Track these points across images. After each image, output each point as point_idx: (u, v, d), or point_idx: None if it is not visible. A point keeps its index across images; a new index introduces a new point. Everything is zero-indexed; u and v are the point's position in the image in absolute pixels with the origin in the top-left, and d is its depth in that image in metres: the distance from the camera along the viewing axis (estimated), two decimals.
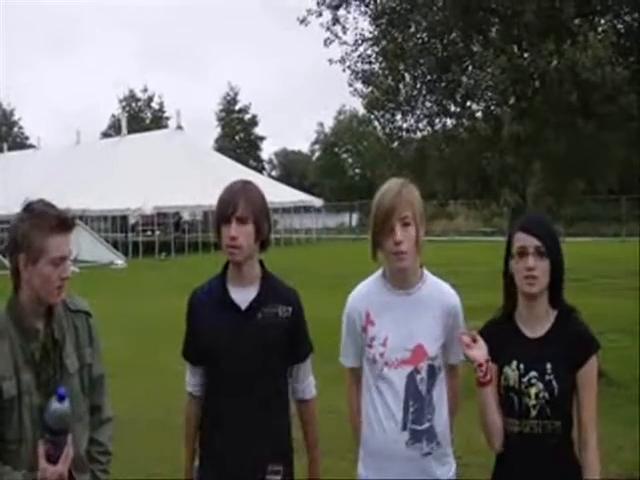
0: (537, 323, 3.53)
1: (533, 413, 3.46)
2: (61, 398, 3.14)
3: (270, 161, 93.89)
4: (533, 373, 3.47)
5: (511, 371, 3.52)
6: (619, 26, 11.06)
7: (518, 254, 3.48)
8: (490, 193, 12.87)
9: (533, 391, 3.46)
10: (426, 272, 3.78)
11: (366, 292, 3.81)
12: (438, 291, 3.77)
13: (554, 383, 3.44)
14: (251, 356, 3.68)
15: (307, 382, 3.94)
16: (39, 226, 3.22)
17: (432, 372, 3.68)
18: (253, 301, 3.74)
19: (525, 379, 3.47)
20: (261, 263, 3.86)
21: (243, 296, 3.75)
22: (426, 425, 3.65)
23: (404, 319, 3.67)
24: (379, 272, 3.80)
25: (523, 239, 3.47)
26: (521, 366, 3.50)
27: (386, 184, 3.70)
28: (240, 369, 3.69)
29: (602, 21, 11.15)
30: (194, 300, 3.90)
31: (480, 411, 3.54)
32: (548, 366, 3.46)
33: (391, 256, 3.59)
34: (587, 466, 3.47)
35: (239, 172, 43.45)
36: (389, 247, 3.57)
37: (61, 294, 3.36)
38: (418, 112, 12.36)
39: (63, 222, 3.29)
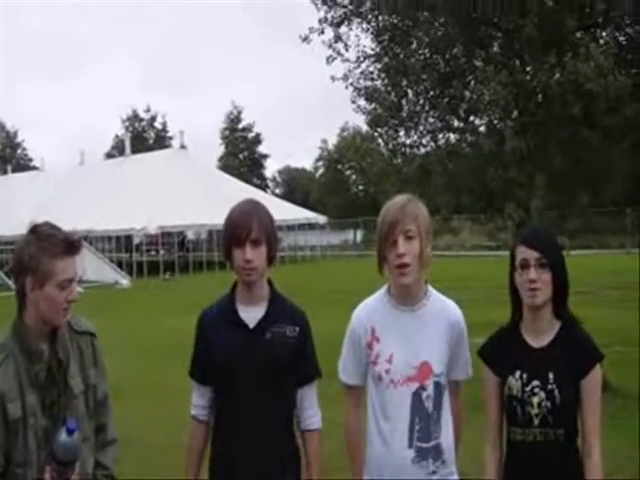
0: (541, 334, 3.55)
1: (536, 422, 3.50)
2: (71, 431, 3.13)
3: (274, 179, 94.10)
4: (535, 382, 3.51)
5: (515, 380, 3.56)
6: (620, 38, 11.09)
7: (520, 266, 3.53)
8: (494, 208, 12.88)
9: (535, 400, 3.50)
10: (430, 288, 3.78)
11: (371, 308, 3.80)
12: (442, 307, 3.77)
13: (556, 392, 3.48)
14: (260, 375, 3.69)
15: (313, 411, 3.90)
16: (46, 249, 3.23)
17: (438, 389, 3.67)
18: (262, 320, 3.75)
19: (528, 388, 3.51)
20: (270, 282, 3.88)
21: (252, 315, 3.76)
22: (432, 443, 3.65)
23: (409, 336, 3.66)
24: (384, 288, 3.80)
25: (524, 252, 3.52)
26: (524, 376, 3.54)
27: (393, 199, 3.71)
28: (249, 387, 3.69)
29: (603, 33, 11.16)
30: (203, 319, 3.91)
31: None
32: (550, 376, 3.51)
33: (394, 270, 3.59)
34: (590, 473, 3.49)
35: (243, 190, 43.50)
36: (392, 260, 3.57)
37: (67, 315, 3.36)
38: (421, 128, 12.39)
39: (70, 245, 3.30)
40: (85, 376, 3.48)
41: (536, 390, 3.50)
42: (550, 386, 3.49)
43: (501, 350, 3.57)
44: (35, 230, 3.31)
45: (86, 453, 3.44)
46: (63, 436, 3.13)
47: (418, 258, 3.56)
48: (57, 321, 3.34)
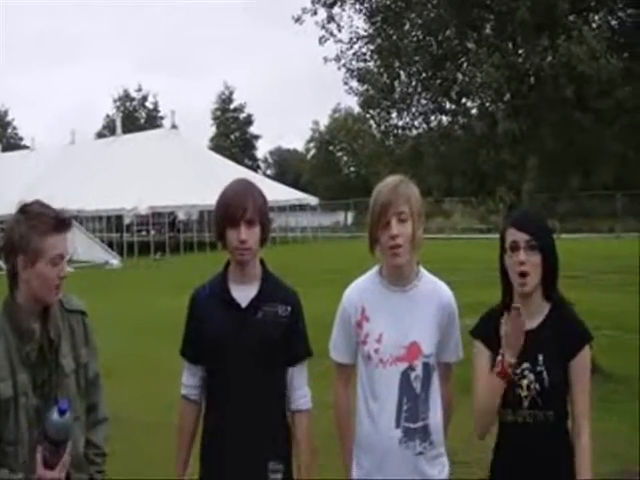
0: (531, 316, 3.53)
1: (525, 404, 3.51)
2: (63, 411, 3.13)
3: (265, 160, 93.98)
4: (526, 365, 3.51)
5: None
6: (613, 22, 11.10)
7: (510, 249, 3.53)
8: (486, 190, 12.88)
9: (525, 382, 3.50)
10: (422, 270, 3.78)
11: (362, 288, 3.80)
12: (433, 289, 3.77)
13: (544, 375, 3.48)
14: (252, 353, 3.69)
15: (303, 391, 3.88)
16: (37, 227, 3.23)
17: (427, 370, 3.67)
18: (254, 299, 3.75)
19: (518, 370, 3.50)
20: (262, 262, 3.88)
21: (244, 294, 3.76)
22: (420, 424, 3.65)
23: (399, 316, 3.67)
24: (375, 268, 3.81)
25: (514, 234, 3.51)
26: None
27: (384, 180, 3.70)
28: (241, 366, 3.70)
29: (596, 17, 11.16)
30: (195, 298, 3.91)
31: (486, 395, 3.52)
32: (540, 358, 3.51)
33: (387, 251, 3.60)
34: (579, 454, 3.50)
35: (234, 171, 43.49)
36: (385, 241, 3.57)
37: (59, 293, 3.37)
38: (413, 110, 12.39)
39: (60, 222, 3.31)
40: (76, 355, 3.48)
41: (526, 372, 3.49)
42: (539, 368, 3.49)
43: (492, 330, 3.57)
44: (25, 209, 3.31)
45: (77, 432, 3.43)
46: (55, 416, 3.13)
47: (410, 239, 3.57)
48: (49, 298, 3.34)
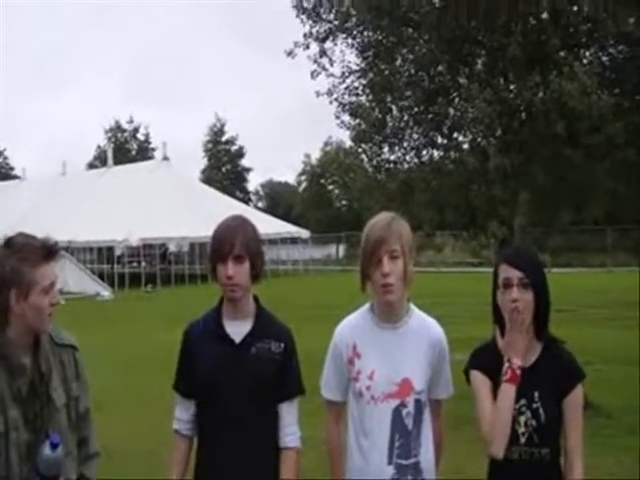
0: (525, 353, 3.51)
1: (522, 440, 3.50)
2: (54, 446, 3.10)
3: (256, 192, 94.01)
4: (522, 401, 3.51)
5: None
6: (604, 58, 11.17)
7: (503, 286, 3.53)
8: (477, 225, 12.92)
9: (522, 419, 3.50)
10: (412, 306, 3.80)
11: (354, 325, 3.81)
12: (423, 326, 3.78)
13: (541, 411, 3.49)
14: (245, 389, 3.69)
15: (291, 429, 3.85)
16: (26, 260, 3.22)
17: (418, 406, 3.67)
18: (247, 335, 3.76)
19: (516, 407, 3.49)
20: (255, 298, 3.89)
21: (237, 330, 3.77)
22: (412, 460, 3.65)
23: (391, 353, 3.67)
24: (367, 306, 3.81)
25: (507, 271, 3.52)
26: None
27: (376, 217, 3.72)
28: (234, 401, 3.69)
29: (587, 53, 11.25)
30: (189, 333, 3.91)
31: (500, 408, 3.47)
32: (536, 394, 3.52)
33: (379, 288, 3.61)
34: None
35: (225, 204, 43.57)
36: (377, 279, 3.59)
37: (51, 321, 3.36)
38: (405, 144, 12.44)
39: (49, 251, 3.31)
40: (67, 388, 3.47)
41: (523, 409, 3.50)
42: (535, 404, 3.50)
43: (489, 367, 3.56)
44: (10, 243, 3.30)
45: (69, 467, 3.41)
46: (47, 450, 3.11)
47: (402, 277, 3.59)
48: (43, 327, 3.34)
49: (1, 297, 3.26)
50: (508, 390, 3.44)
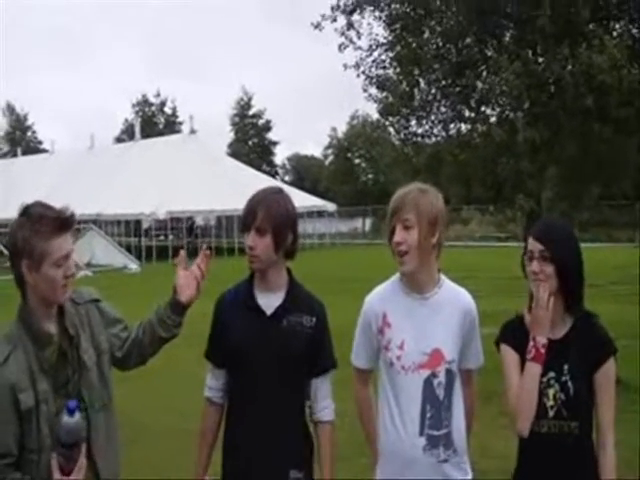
0: (554, 326, 3.52)
1: (550, 414, 3.50)
2: (71, 411, 3.10)
3: (283, 166, 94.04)
4: (551, 374, 3.51)
5: None
6: (634, 31, 11.04)
7: (528, 259, 3.53)
8: (504, 198, 12.84)
9: (551, 392, 3.50)
10: (443, 277, 3.79)
11: (384, 294, 3.82)
12: (455, 296, 3.78)
13: (570, 384, 3.48)
14: (275, 361, 3.70)
15: (326, 402, 3.88)
16: (39, 231, 3.18)
17: (449, 377, 3.67)
18: (279, 307, 3.76)
19: (544, 379, 3.49)
20: (289, 271, 3.89)
21: (269, 302, 3.77)
22: (444, 431, 3.65)
23: (421, 323, 3.67)
24: (397, 275, 3.81)
25: (531, 243, 3.53)
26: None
27: (401, 188, 3.73)
28: (263, 372, 3.70)
29: (617, 26, 11.12)
30: (221, 302, 3.93)
31: (526, 385, 3.47)
32: (565, 367, 3.51)
33: (395, 258, 3.64)
34: (603, 466, 3.51)
35: (252, 177, 43.58)
36: (392, 247, 3.62)
37: (67, 293, 3.33)
38: (432, 117, 12.38)
39: (63, 223, 3.25)
40: (96, 345, 3.47)
41: (552, 382, 3.50)
42: (564, 377, 3.49)
43: (519, 337, 3.56)
44: (27, 212, 3.25)
45: (102, 420, 3.44)
46: (64, 417, 3.11)
47: (416, 247, 3.58)
48: (58, 299, 3.31)
49: (15, 267, 3.26)
50: (533, 369, 3.44)
